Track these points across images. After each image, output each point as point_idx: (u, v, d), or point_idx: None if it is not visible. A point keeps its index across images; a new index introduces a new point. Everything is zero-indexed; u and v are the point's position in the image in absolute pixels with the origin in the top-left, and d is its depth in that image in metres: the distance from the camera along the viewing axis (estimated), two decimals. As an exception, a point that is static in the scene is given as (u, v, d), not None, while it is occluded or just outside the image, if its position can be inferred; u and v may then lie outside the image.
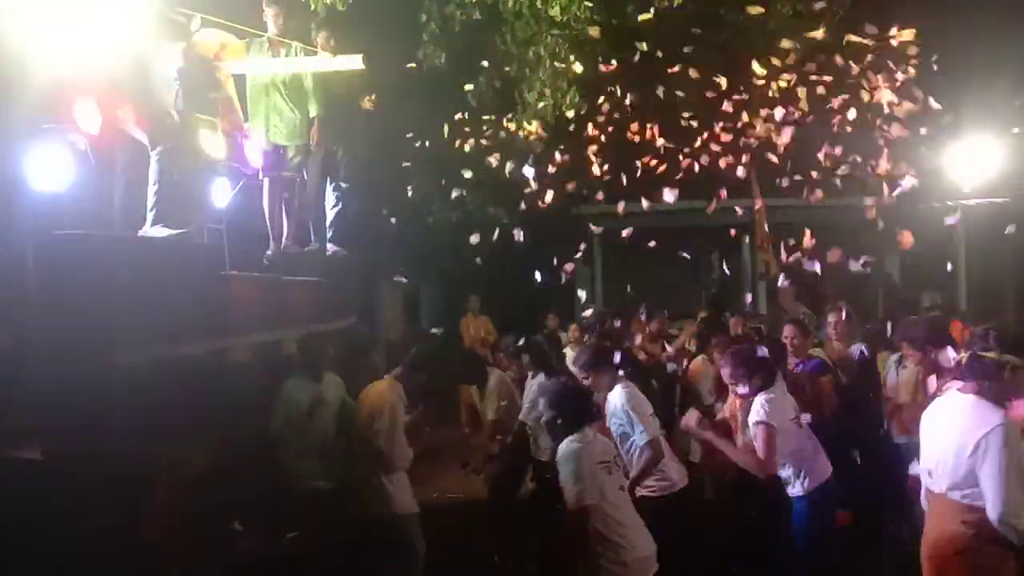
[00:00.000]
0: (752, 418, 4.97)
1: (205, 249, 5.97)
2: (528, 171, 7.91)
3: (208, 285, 5.52)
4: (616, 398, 5.27)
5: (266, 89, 6.83)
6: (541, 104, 8.68)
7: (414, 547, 5.22)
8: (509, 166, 8.09)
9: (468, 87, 8.88)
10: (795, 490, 5.09)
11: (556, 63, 8.64)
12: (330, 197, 7.55)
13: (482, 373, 8.04)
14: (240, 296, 6.03)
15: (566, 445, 4.24)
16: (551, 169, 8.07)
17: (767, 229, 12.17)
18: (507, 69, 8.93)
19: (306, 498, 5.52)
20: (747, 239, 14.29)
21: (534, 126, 8.78)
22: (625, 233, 7.89)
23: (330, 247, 7.52)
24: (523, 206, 8.24)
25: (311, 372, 5.78)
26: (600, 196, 8.25)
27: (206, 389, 5.00)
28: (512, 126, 8.84)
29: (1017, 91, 11.05)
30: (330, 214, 7.56)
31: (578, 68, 8.56)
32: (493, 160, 8.34)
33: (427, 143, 8.85)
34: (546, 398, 4.52)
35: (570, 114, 8.64)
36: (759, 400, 5.00)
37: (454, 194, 9.20)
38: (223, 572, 5.30)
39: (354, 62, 6.63)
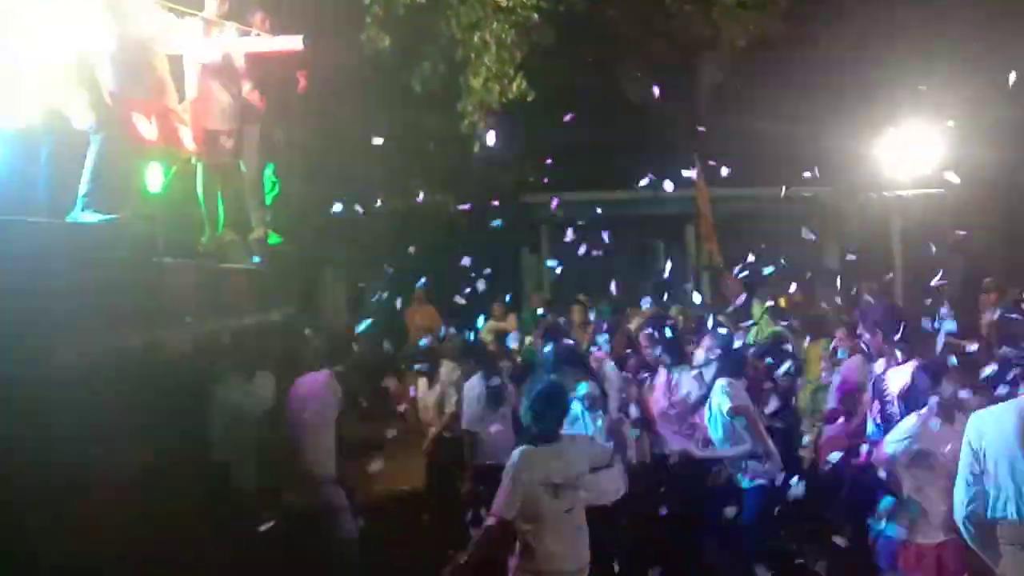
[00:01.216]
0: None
1: (138, 235, 5.75)
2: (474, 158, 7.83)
3: (141, 273, 5.33)
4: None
5: (201, 71, 6.63)
6: (486, 90, 8.60)
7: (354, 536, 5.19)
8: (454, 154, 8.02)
9: (412, 72, 8.77)
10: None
11: (501, 49, 8.57)
12: (268, 183, 7.38)
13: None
14: (175, 284, 5.84)
15: (516, 451, 4.15)
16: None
17: (711, 219, 12.29)
18: (452, 54, 8.82)
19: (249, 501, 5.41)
20: (691, 229, 14.40)
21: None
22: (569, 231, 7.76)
23: (269, 234, 7.34)
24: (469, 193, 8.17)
25: (246, 371, 5.66)
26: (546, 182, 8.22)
27: (139, 382, 4.81)
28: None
29: (952, 83, 11.27)
30: (268, 200, 7.38)
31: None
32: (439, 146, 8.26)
33: (371, 129, 8.70)
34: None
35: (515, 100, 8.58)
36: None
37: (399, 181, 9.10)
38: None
39: (294, 43, 6.49)
